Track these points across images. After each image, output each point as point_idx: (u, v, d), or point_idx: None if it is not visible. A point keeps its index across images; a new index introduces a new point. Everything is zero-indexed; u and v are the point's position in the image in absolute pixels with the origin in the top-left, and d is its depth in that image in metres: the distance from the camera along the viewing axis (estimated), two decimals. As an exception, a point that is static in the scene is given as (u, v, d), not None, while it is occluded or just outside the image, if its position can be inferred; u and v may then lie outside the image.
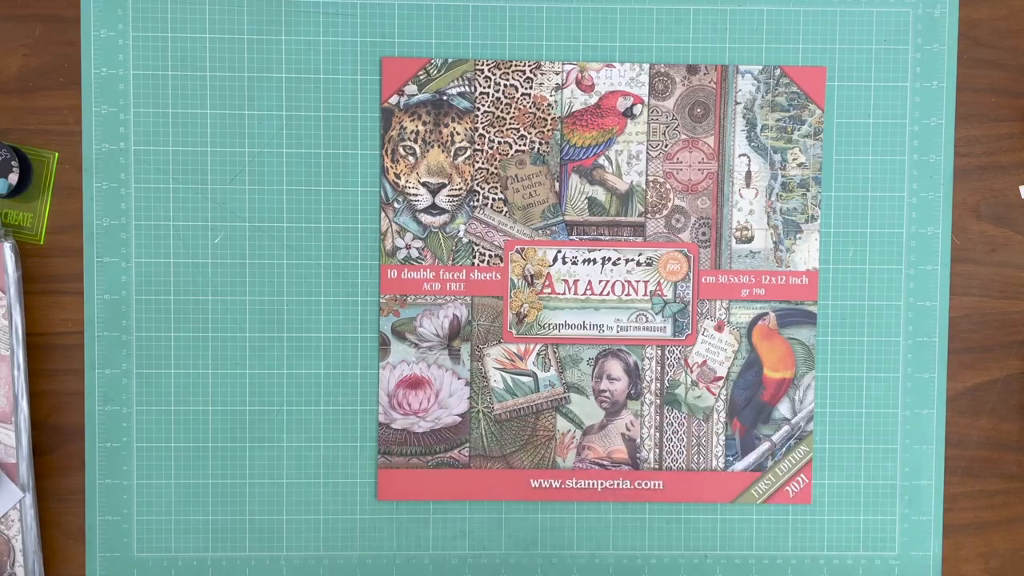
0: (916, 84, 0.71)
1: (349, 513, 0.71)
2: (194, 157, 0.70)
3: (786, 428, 0.71)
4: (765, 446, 0.72)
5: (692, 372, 0.71)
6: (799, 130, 0.70)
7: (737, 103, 0.70)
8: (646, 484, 0.71)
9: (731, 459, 0.72)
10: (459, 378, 0.71)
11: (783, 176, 0.71)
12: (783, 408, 0.72)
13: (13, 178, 0.67)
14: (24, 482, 0.69)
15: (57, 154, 0.70)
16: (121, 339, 0.70)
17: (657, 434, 0.71)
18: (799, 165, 0.70)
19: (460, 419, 0.71)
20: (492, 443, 0.71)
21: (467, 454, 0.71)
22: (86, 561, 0.71)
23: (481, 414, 0.71)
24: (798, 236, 0.71)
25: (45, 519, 0.71)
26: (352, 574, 0.71)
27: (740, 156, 0.71)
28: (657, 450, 0.71)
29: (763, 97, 0.70)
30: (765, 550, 0.72)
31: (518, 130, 0.70)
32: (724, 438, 0.72)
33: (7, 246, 0.68)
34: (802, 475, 0.72)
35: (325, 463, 0.71)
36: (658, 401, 0.71)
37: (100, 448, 0.70)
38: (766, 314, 0.71)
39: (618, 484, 0.71)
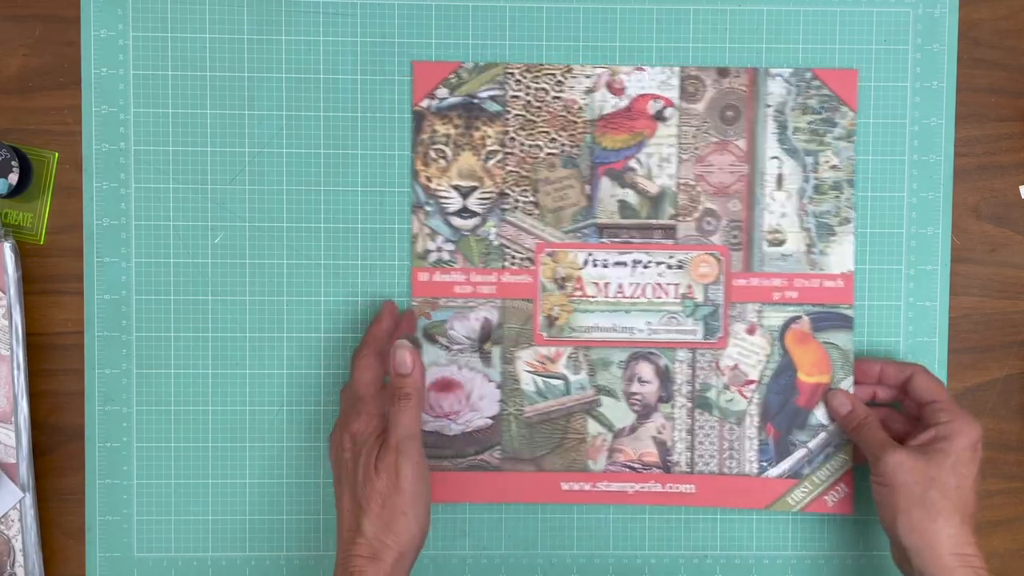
0: (916, 84, 0.71)
1: (349, 513, 0.71)
2: (194, 157, 0.70)
3: (823, 435, 0.70)
4: (801, 452, 0.70)
5: (723, 375, 0.71)
6: (831, 132, 0.70)
7: (768, 106, 0.70)
8: (677, 488, 0.71)
9: (765, 464, 0.71)
10: (490, 381, 0.71)
11: (815, 178, 0.70)
12: (819, 414, 0.71)
13: (13, 178, 0.67)
14: (24, 482, 0.69)
15: (57, 154, 0.70)
16: (121, 339, 0.70)
17: (688, 437, 0.71)
18: (831, 167, 0.70)
19: (491, 422, 0.70)
20: (523, 446, 0.71)
21: (499, 457, 0.70)
22: (86, 561, 0.71)
23: (512, 417, 0.70)
24: (831, 239, 0.70)
25: (45, 519, 0.71)
26: (352, 574, 0.71)
27: (772, 159, 0.70)
28: (688, 453, 0.71)
29: (794, 99, 0.70)
30: (765, 550, 0.72)
31: (549, 133, 0.70)
32: (758, 443, 0.71)
33: (7, 246, 0.68)
34: (842, 484, 0.70)
35: (325, 463, 0.71)
36: (689, 404, 0.71)
37: (100, 448, 0.70)
38: (799, 317, 0.71)
39: (649, 487, 0.71)
